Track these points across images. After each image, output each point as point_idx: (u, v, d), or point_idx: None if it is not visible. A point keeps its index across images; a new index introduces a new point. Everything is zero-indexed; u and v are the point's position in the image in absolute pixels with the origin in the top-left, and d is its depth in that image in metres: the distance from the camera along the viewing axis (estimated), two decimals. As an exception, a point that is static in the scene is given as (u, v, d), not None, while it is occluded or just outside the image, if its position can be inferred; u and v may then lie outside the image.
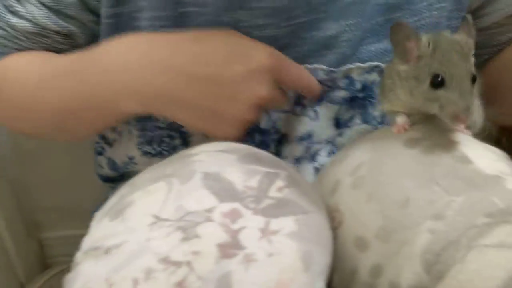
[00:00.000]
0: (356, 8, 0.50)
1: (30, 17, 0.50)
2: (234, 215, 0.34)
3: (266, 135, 0.54)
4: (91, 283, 0.34)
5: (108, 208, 0.40)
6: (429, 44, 0.39)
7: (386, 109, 0.44)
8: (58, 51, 0.53)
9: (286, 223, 0.35)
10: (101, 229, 0.38)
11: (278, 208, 0.36)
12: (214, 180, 0.36)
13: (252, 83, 0.45)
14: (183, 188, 0.36)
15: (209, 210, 0.34)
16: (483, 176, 0.37)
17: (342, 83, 0.52)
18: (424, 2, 0.51)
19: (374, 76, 0.52)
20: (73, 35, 0.52)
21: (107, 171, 0.61)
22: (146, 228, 0.34)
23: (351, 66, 0.52)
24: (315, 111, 0.54)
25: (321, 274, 0.36)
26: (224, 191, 0.35)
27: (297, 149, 0.56)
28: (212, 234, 0.33)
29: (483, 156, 0.38)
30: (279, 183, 0.38)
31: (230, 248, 0.33)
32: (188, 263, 0.32)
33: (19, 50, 0.52)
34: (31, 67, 0.52)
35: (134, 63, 0.46)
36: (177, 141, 0.55)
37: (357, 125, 0.57)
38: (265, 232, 0.34)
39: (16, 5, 0.51)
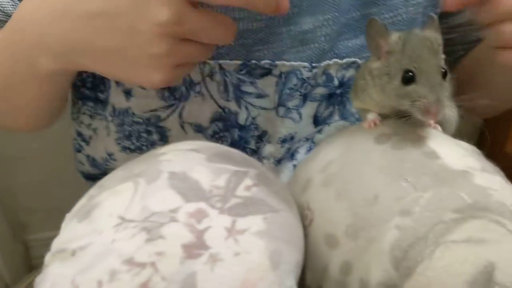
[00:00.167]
0: (331, 2, 0.50)
1: None
2: (199, 215, 0.34)
3: (245, 131, 0.54)
4: (58, 285, 0.34)
5: (77, 209, 0.39)
6: (399, 40, 0.39)
7: (358, 106, 0.44)
8: None
9: (254, 222, 0.35)
10: (69, 230, 0.38)
11: (246, 207, 0.36)
12: (180, 180, 0.36)
13: (146, 6, 0.38)
14: (149, 188, 0.35)
15: (174, 210, 0.34)
16: (451, 172, 0.36)
17: (321, 79, 0.52)
18: None
19: (351, 72, 0.52)
20: None
21: (88, 168, 0.61)
22: (111, 229, 0.34)
23: (330, 62, 0.51)
24: (299, 113, 0.54)
25: (291, 273, 0.36)
26: (190, 190, 0.35)
27: (278, 151, 0.56)
28: (176, 235, 0.33)
29: (452, 151, 0.38)
30: (248, 181, 0.37)
31: (195, 248, 0.32)
32: (153, 264, 0.32)
33: None
34: None
35: (38, 14, 0.43)
36: (155, 136, 0.55)
37: (336, 122, 0.57)
38: (231, 231, 0.34)
39: None
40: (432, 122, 0.41)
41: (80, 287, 0.32)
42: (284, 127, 0.54)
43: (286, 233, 0.37)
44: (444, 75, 0.38)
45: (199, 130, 0.54)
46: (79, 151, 0.60)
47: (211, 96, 0.51)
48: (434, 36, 0.39)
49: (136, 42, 0.39)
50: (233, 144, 0.55)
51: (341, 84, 0.53)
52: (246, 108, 0.52)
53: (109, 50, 0.41)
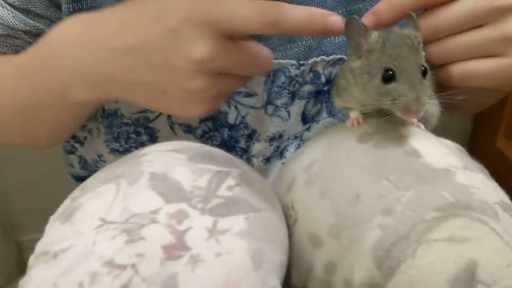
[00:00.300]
0: (317, 0, 0.50)
1: None
2: (180, 216, 0.34)
3: (234, 130, 0.54)
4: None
5: (60, 211, 0.39)
6: (379, 39, 0.39)
7: (340, 105, 0.44)
8: None
9: (235, 222, 0.35)
10: (52, 232, 0.38)
11: (228, 207, 0.35)
12: (160, 181, 0.36)
13: (180, 43, 0.37)
14: (130, 190, 0.35)
15: (155, 212, 0.34)
16: (432, 170, 0.36)
17: (308, 77, 0.52)
18: None
19: (338, 69, 0.52)
20: (43, 34, 0.51)
21: (78, 170, 0.61)
22: (92, 231, 0.34)
23: (316, 59, 0.51)
24: (288, 112, 0.54)
25: (274, 272, 0.36)
26: (170, 191, 0.35)
27: (267, 149, 0.56)
28: (156, 236, 0.33)
29: (434, 150, 0.38)
30: (230, 181, 0.37)
31: (175, 249, 0.32)
32: (133, 266, 0.32)
33: None
34: None
35: (71, 42, 0.43)
36: (144, 137, 0.55)
37: (324, 119, 0.57)
38: (212, 232, 0.34)
39: None
40: (414, 120, 0.41)
41: None
42: (273, 126, 0.54)
43: (268, 233, 0.37)
44: (424, 73, 0.38)
45: (189, 131, 0.54)
46: (71, 152, 0.60)
47: None
48: (413, 34, 0.39)
49: (172, 78, 0.39)
50: (223, 144, 0.55)
51: (328, 81, 0.53)
52: (235, 107, 0.52)
53: (145, 84, 0.41)
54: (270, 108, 0.53)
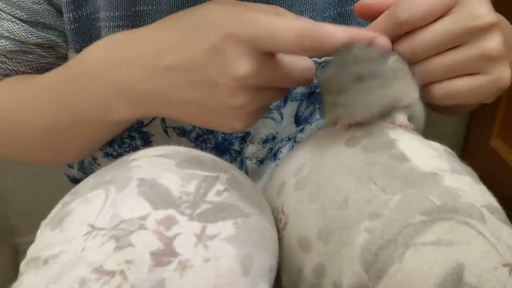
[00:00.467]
0: (309, 2, 0.50)
1: (8, 34, 0.49)
2: (168, 222, 0.34)
3: (228, 133, 0.54)
4: None
5: (51, 217, 0.39)
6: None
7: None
8: (45, 66, 0.52)
9: (224, 228, 0.35)
10: (43, 238, 0.38)
11: (216, 213, 0.36)
12: (149, 187, 0.36)
13: (222, 60, 0.37)
14: (119, 196, 0.35)
15: (143, 218, 0.34)
16: (419, 174, 0.36)
17: None
18: None
19: None
20: (55, 45, 0.52)
21: (75, 172, 0.61)
22: (82, 237, 0.34)
23: None
24: (281, 114, 0.54)
25: (263, 277, 0.36)
26: (159, 197, 0.35)
27: (261, 151, 0.56)
28: (145, 242, 0.33)
29: (421, 153, 0.38)
30: (219, 186, 0.37)
31: (164, 255, 0.33)
32: (122, 272, 0.32)
33: (5, 75, 0.51)
34: (16, 91, 0.50)
35: (110, 60, 0.43)
36: (138, 142, 0.55)
37: (317, 121, 0.57)
38: (201, 237, 0.34)
39: None
40: (403, 123, 0.41)
41: None
42: (266, 128, 0.54)
43: (257, 238, 0.37)
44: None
45: (183, 134, 0.54)
46: None
47: None
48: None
49: (215, 95, 0.39)
50: (217, 146, 0.55)
51: None
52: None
53: (188, 101, 0.41)
54: None
